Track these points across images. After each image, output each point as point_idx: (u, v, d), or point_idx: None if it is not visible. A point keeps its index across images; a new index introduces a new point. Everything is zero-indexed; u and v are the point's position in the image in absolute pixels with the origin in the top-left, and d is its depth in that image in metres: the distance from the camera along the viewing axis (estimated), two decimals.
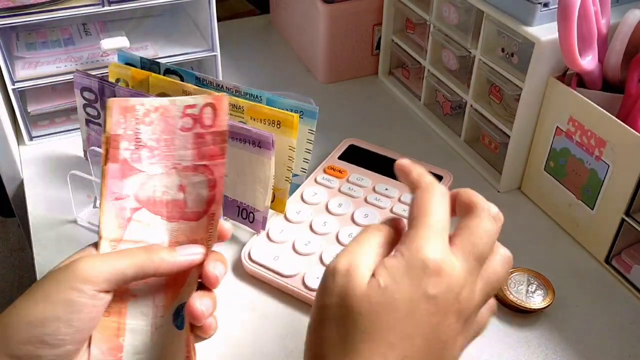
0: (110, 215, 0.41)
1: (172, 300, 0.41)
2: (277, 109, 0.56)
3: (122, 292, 0.40)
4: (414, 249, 0.34)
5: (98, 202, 0.59)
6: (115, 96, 0.61)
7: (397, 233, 0.38)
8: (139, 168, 0.41)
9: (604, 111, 0.55)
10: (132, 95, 0.60)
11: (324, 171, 0.66)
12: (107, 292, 0.37)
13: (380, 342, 0.32)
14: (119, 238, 0.41)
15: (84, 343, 0.38)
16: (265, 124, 0.56)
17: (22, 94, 0.69)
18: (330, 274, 0.35)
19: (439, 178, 0.65)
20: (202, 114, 0.40)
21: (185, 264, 0.40)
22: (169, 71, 0.64)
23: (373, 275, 0.34)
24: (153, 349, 0.40)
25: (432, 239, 0.34)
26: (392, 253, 0.35)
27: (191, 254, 0.40)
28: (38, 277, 0.56)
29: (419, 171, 0.38)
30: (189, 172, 0.41)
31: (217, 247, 0.42)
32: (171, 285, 0.42)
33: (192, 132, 0.41)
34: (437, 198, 0.36)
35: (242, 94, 0.60)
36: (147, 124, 0.41)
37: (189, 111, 0.40)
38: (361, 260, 0.35)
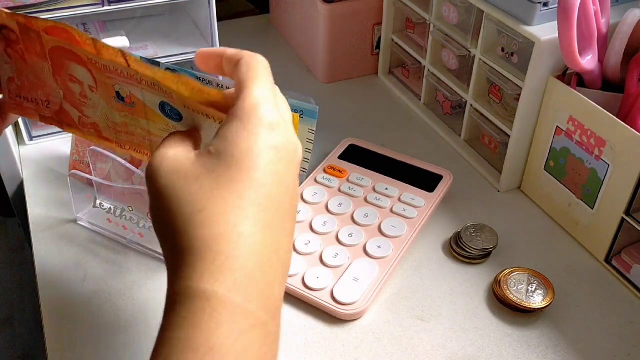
0: None
1: None
2: None
3: None
4: (249, 108, 0.33)
5: (98, 201, 0.59)
6: None
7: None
8: None
9: (604, 111, 0.55)
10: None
11: (324, 171, 0.66)
12: None
13: (229, 198, 0.32)
14: None
15: None
16: None
17: None
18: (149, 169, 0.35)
19: (439, 178, 0.65)
20: None
21: None
22: (169, 71, 0.64)
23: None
24: None
25: (267, 100, 0.34)
26: (226, 117, 0.35)
27: None
28: (38, 276, 0.56)
29: (232, 49, 0.38)
30: None
31: None
32: None
33: None
34: (264, 64, 0.36)
35: None
36: None
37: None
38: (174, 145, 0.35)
